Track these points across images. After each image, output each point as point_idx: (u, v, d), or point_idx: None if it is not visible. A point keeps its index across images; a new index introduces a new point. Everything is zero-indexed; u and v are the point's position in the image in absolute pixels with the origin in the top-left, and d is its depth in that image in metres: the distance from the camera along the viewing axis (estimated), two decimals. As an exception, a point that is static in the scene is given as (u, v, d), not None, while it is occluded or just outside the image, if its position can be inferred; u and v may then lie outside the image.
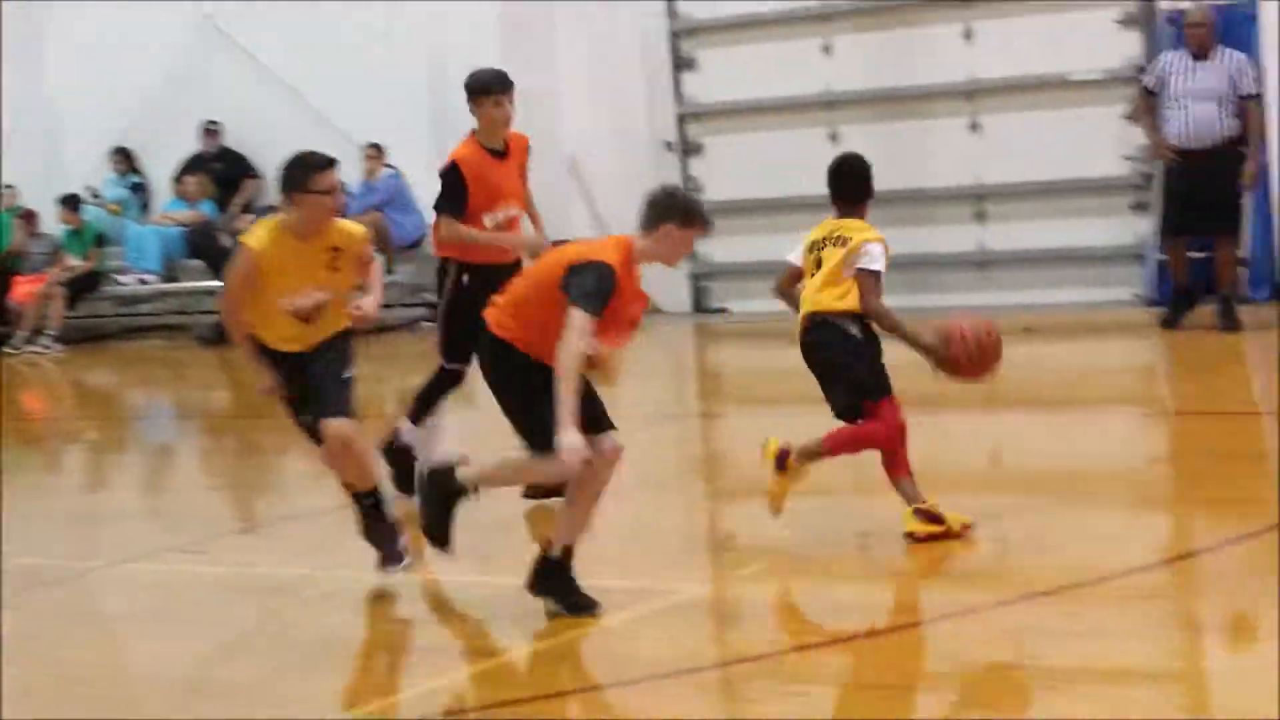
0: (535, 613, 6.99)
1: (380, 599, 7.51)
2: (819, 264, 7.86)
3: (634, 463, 10.36)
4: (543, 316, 6.82)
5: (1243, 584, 6.95)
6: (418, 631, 7.33)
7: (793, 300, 8.07)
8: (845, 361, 7.80)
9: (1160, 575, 7.10)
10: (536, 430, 6.82)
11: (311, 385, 7.64)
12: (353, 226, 7.84)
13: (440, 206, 9.21)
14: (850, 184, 8.02)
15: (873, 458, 7.75)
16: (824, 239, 7.92)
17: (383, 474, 8.40)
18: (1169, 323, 13.09)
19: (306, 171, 7.51)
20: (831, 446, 7.85)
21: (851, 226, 7.88)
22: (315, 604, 7.68)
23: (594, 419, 6.95)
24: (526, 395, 6.91)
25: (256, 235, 7.63)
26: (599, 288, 6.72)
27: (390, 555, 7.59)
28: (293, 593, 7.95)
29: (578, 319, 6.64)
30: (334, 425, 7.47)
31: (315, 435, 7.62)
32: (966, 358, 7.68)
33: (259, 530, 9.82)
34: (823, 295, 7.82)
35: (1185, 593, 6.91)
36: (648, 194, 6.96)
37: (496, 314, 7.05)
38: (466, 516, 7.14)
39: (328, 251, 7.56)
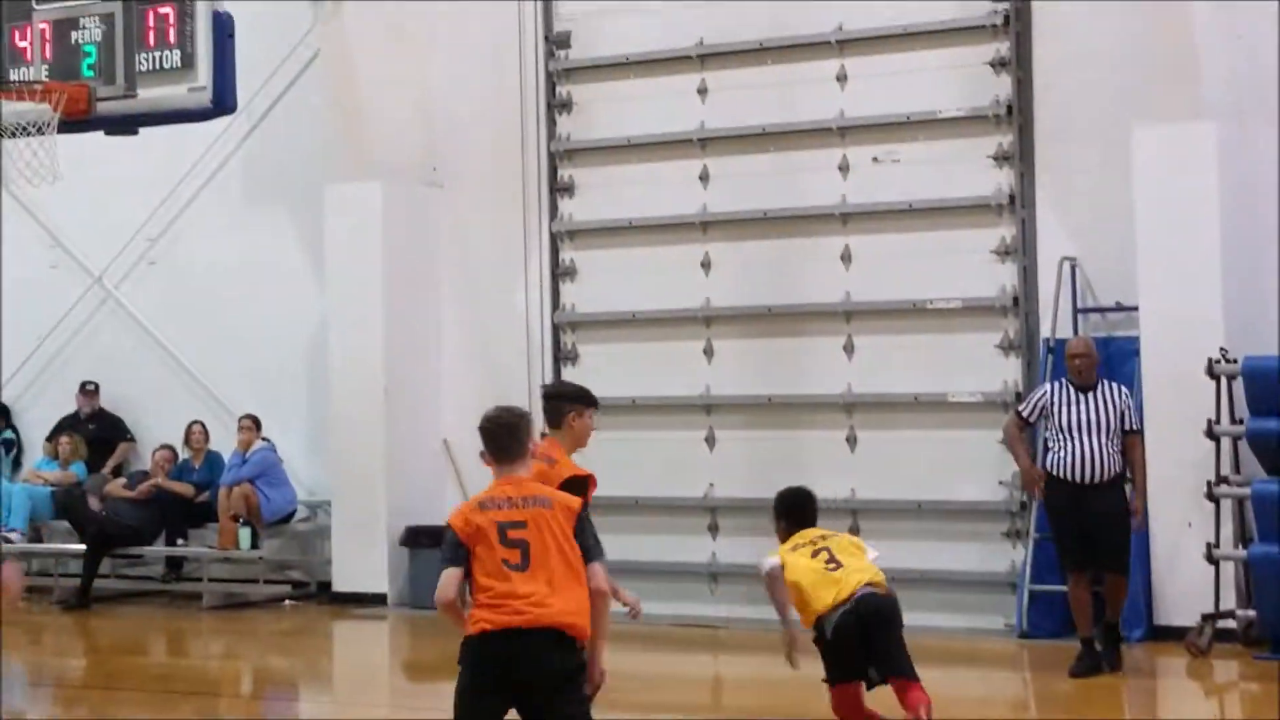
0: None
1: None
2: (833, 556, 9.03)
3: None
4: (577, 581, 6.97)
5: None
6: None
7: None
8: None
9: None
10: None
11: None
12: None
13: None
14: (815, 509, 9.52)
15: None
16: (821, 544, 9.15)
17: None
18: (1082, 672, 11.92)
19: None
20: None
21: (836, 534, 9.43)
22: None
23: None
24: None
25: None
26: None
27: None
28: None
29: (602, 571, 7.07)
30: None
31: None
32: None
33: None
34: (876, 574, 9.02)
35: None
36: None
37: (532, 606, 6.90)
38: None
39: None
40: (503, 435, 7.20)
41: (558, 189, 16.27)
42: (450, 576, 7.04)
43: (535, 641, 6.86)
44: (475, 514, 7.04)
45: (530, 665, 6.88)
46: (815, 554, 9.02)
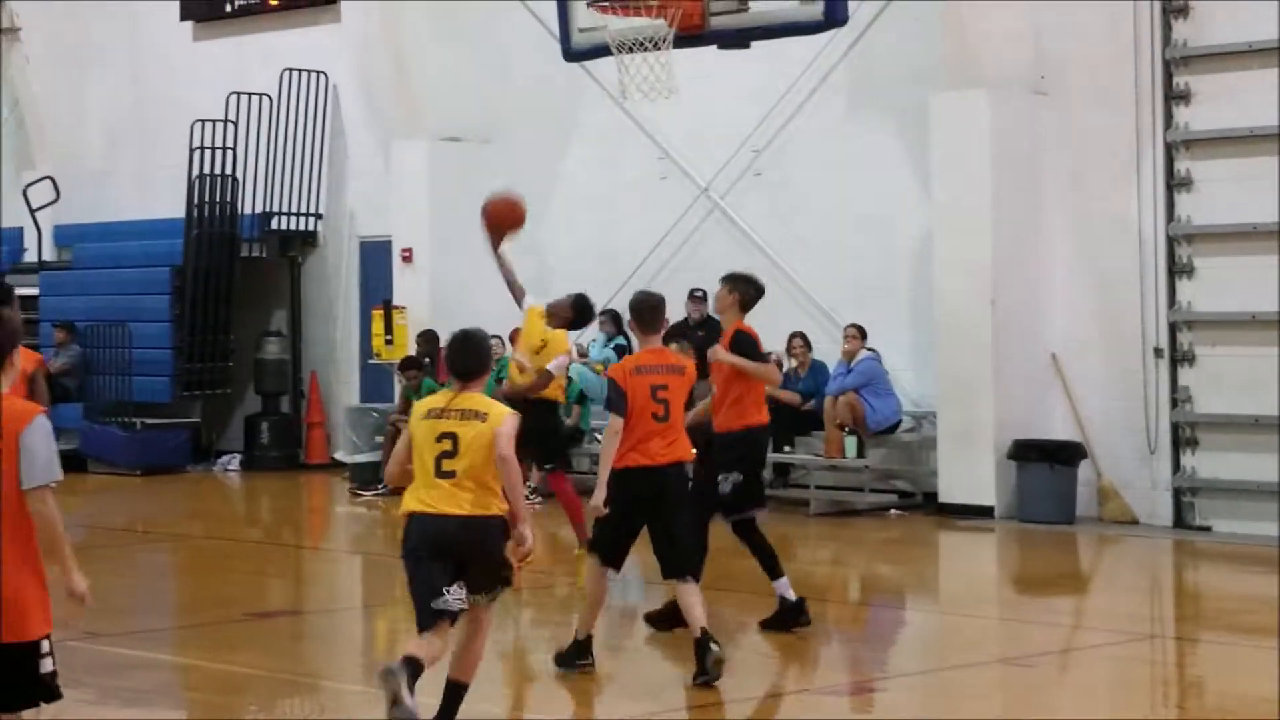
0: None
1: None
2: None
3: (1101, 683, 9.97)
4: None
5: None
6: None
7: None
8: None
9: None
10: None
11: None
12: None
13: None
14: None
15: None
16: None
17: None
18: None
19: None
20: None
21: None
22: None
23: None
24: None
25: None
26: None
27: None
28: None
29: None
30: None
31: None
32: None
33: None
34: None
35: None
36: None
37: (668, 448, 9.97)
38: None
39: None
40: (647, 313, 10.22)
41: (1173, 96, 16.14)
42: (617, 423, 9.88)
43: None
44: (632, 376, 9.88)
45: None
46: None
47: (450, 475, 7.97)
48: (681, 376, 10.14)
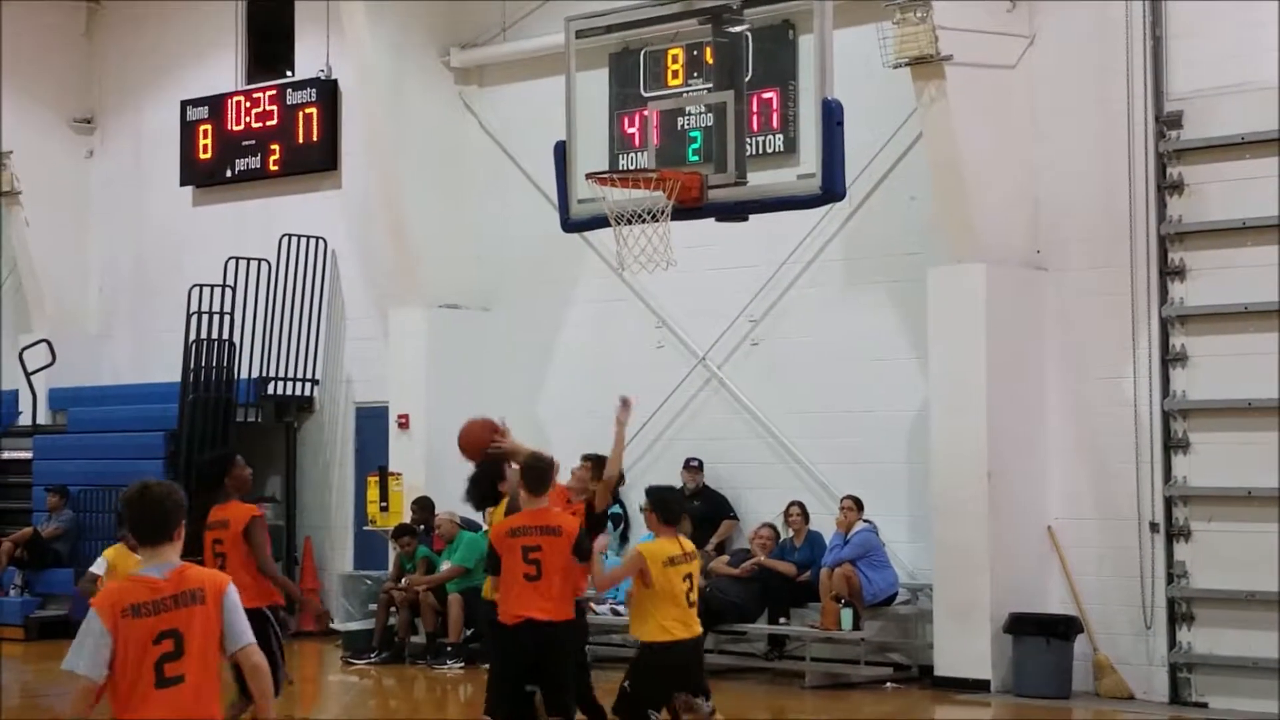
0: None
1: None
2: None
3: None
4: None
5: None
6: None
7: None
8: None
9: None
10: None
11: None
12: None
13: None
14: None
15: None
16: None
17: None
18: None
19: None
20: None
21: None
22: None
23: None
24: None
25: None
26: None
27: None
28: None
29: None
30: None
31: None
32: None
33: None
34: None
35: None
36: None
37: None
38: None
39: None
40: (536, 476, 11.25)
41: (1168, 272, 16.50)
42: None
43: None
44: (506, 539, 11.06)
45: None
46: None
47: (694, 604, 11.16)
48: (558, 538, 11.01)
